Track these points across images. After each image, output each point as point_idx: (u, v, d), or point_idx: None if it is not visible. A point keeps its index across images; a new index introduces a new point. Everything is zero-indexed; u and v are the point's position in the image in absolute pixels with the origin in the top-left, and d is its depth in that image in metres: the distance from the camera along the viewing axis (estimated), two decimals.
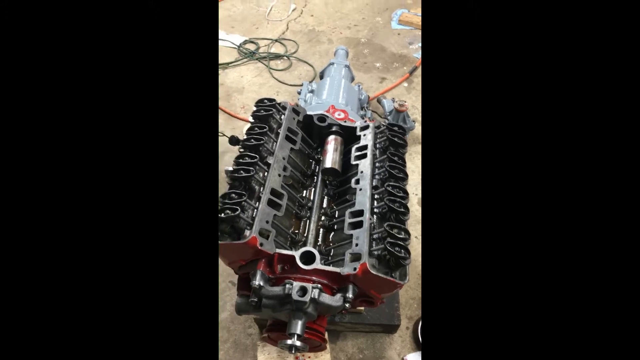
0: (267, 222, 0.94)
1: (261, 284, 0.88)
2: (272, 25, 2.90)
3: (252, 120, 1.14)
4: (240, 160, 1.02)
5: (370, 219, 0.97)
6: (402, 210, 0.96)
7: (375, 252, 0.90)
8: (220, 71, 2.48)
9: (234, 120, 2.16)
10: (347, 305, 0.89)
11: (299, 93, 1.90)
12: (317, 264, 0.90)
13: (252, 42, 2.71)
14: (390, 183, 1.01)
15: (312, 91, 1.84)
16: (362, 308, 1.29)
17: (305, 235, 1.09)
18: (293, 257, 0.91)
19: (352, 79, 2.02)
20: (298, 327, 0.89)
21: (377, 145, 1.17)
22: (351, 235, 0.96)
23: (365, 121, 1.28)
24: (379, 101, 2.19)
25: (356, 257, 0.91)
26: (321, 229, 1.12)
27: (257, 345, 1.30)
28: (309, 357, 1.28)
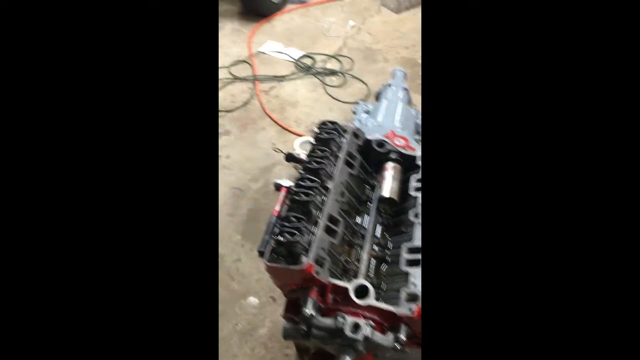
0: (323, 249, 0.93)
1: (313, 313, 0.86)
2: (329, 41, 2.93)
3: (314, 142, 1.14)
4: (301, 183, 1.02)
5: None
6: None
7: None
8: (276, 83, 2.53)
9: (286, 133, 2.19)
10: (398, 346, 0.86)
11: (354, 112, 1.90)
12: (371, 300, 0.88)
13: (309, 56, 2.75)
14: None
15: (367, 112, 1.83)
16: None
17: (357, 264, 1.06)
18: (346, 289, 0.89)
19: (409, 102, 1.98)
20: None
21: None
22: (407, 272, 0.92)
23: None
24: None
25: (412, 298, 0.88)
26: (373, 259, 1.09)
27: None
28: None
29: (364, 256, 1.07)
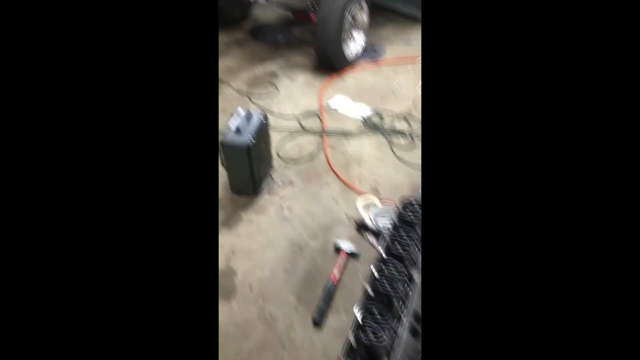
0: (407, 353, 0.82)
1: None
2: (398, 102, 2.94)
3: (398, 222, 1.08)
4: (384, 268, 0.95)
5: None
6: None
7: None
8: (343, 139, 2.54)
9: (349, 191, 2.15)
10: None
11: None
12: None
13: (378, 114, 2.76)
14: None
15: None
16: None
17: None
18: None
19: None
20: None
21: None
22: None
23: None
24: None
25: None
26: None
27: None
28: None
29: None
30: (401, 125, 2.67)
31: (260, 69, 3.22)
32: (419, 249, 1.01)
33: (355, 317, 0.89)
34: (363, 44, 3.30)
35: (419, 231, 1.03)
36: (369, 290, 0.94)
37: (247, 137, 1.81)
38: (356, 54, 3.25)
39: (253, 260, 1.76)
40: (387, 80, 3.22)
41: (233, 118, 1.90)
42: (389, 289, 0.88)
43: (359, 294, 1.30)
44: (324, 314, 1.26)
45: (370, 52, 3.40)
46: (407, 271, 0.94)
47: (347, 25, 2.97)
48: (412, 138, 2.55)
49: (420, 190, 1.12)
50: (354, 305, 0.93)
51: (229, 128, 1.85)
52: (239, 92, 2.92)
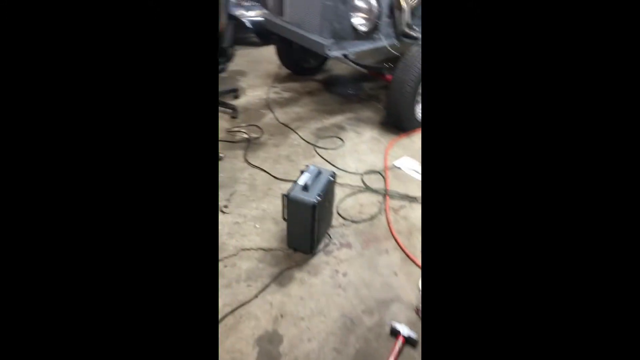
0: None
1: None
2: None
3: None
4: None
5: None
6: None
7: None
8: (407, 203, 2.42)
9: (410, 264, 1.99)
10: None
11: None
12: None
13: None
14: None
15: None
16: None
17: None
18: None
19: None
20: None
21: None
22: None
23: None
24: None
25: None
26: None
27: None
28: None
29: None
30: None
31: (328, 120, 3.26)
32: None
33: None
34: None
35: None
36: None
37: (313, 196, 1.77)
38: None
39: (301, 328, 1.64)
40: None
41: (303, 175, 1.87)
42: None
43: None
44: None
45: None
46: None
47: (421, 89, 2.95)
48: None
49: None
50: None
51: (297, 184, 1.82)
52: (305, 140, 2.95)
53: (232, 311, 1.67)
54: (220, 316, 1.64)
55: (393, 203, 2.40)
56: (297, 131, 3.05)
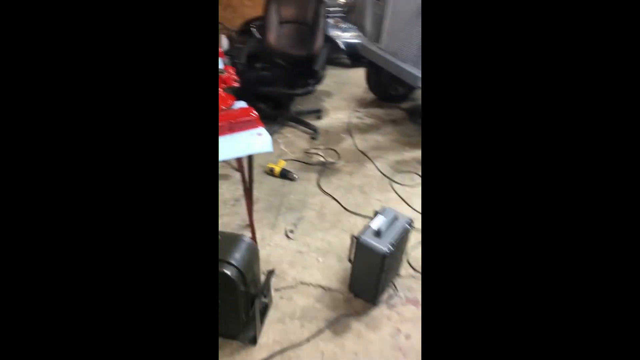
0: None
1: None
2: None
3: None
4: None
5: None
6: None
7: None
8: None
9: None
10: None
11: None
12: None
13: None
14: None
15: None
16: None
17: None
18: None
19: None
20: None
21: None
22: None
23: None
24: None
25: None
26: None
27: None
28: None
29: None
30: None
31: (409, 153, 3.08)
32: None
33: None
34: None
35: None
36: None
37: (386, 244, 1.62)
38: None
39: None
40: None
41: (378, 217, 1.73)
42: None
43: None
44: None
45: None
46: None
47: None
48: None
49: None
50: None
51: (370, 227, 1.69)
52: (382, 172, 2.81)
53: (281, 351, 1.59)
54: (267, 354, 1.57)
55: None
56: (374, 161, 2.92)
